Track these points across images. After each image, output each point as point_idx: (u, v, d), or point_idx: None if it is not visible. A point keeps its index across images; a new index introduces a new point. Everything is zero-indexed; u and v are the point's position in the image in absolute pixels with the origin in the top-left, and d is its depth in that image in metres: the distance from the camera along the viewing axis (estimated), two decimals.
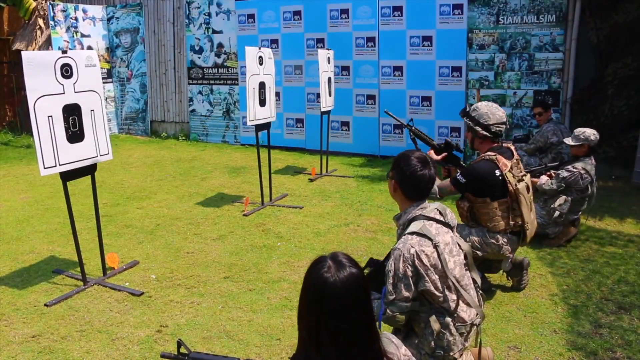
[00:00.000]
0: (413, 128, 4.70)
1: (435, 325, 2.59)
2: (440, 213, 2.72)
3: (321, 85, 7.42)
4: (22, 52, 3.81)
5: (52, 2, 10.70)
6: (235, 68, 10.38)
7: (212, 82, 10.72)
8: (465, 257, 2.78)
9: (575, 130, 5.05)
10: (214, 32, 10.50)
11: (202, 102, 10.89)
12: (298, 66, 9.69)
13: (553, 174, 5.00)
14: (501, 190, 3.71)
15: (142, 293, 4.09)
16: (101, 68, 10.86)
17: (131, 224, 5.76)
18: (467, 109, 3.92)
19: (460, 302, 2.64)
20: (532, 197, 3.88)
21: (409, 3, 8.66)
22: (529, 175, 3.92)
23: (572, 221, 5.03)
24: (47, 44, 10.89)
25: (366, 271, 2.91)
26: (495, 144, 3.85)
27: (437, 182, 3.80)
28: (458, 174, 3.82)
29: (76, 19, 11.05)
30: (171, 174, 8.09)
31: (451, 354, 2.62)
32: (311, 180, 7.55)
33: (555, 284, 4.18)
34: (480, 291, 2.86)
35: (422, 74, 8.70)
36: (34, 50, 10.74)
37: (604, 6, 7.84)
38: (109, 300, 4.01)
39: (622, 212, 5.91)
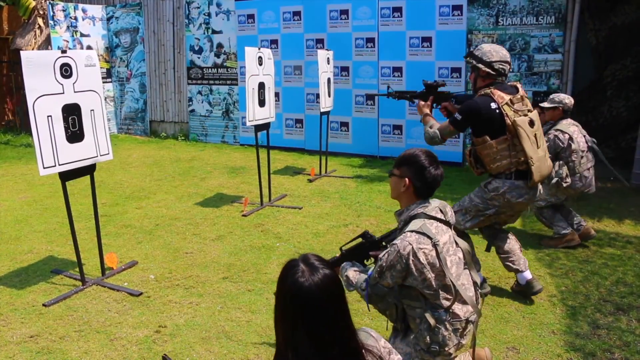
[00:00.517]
0: (394, 92, 4.81)
1: (430, 320, 2.61)
2: (441, 211, 2.74)
3: (320, 86, 7.42)
4: (22, 52, 3.81)
5: (51, 2, 10.70)
6: (235, 68, 10.38)
7: (211, 82, 10.73)
8: (464, 255, 2.78)
9: (550, 95, 5.21)
10: (214, 32, 10.50)
11: (202, 102, 10.89)
12: (297, 66, 9.69)
13: None
14: (500, 125, 3.64)
15: (141, 293, 4.09)
16: (100, 68, 10.89)
17: (130, 224, 5.76)
18: (471, 50, 3.88)
19: (456, 300, 2.65)
20: (539, 133, 3.77)
21: (408, 4, 8.66)
22: (536, 111, 3.81)
23: (580, 187, 4.98)
24: (47, 44, 10.89)
25: (358, 241, 3.03)
26: (498, 82, 3.78)
27: (437, 125, 3.85)
28: (456, 112, 3.79)
29: (76, 18, 11.05)
30: (170, 174, 8.09)
31: (446, 349, 2.63)
32: (310, 181, 7.56)
33: (554, 285, 4.19)
34: (480, 290, 2.86)
35: (421, 75, 8.64)
36: (33, 49, 10.74)
37: (602, 8, 7.86)
38: (108, 301, 4.01)
39: (621, 213, 5.92)
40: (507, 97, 3.66)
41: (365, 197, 6.68)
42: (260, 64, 6.26)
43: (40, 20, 11.04)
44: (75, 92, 4.08)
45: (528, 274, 3.95)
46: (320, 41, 9.37)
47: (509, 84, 3.82)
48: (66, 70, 4.01)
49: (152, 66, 11.49)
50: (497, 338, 3.44)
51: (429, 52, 8.62)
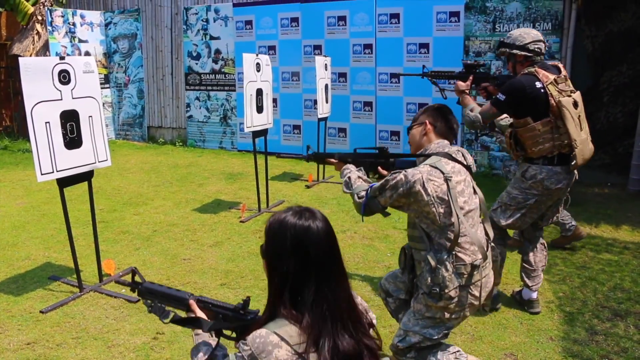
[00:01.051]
0: (430, 73, 4.69)
1: (432, 261, 2.58)
2: (463, 156, 2.74)
3: (318, 92, 7.44)
4: (20, 59, 3.81)
5: (50, 8, 10.71)
6: (233, 74, 10.40)
7: (209, 88, 10.74)
8: (481, 206, 2.75)
9: None
10: (212, 38, 10.52)
11: (200, 108, 10.90)
12: (295, 73, 9.71)
13: None
14: (544, 106, 3.50)
15: (139, 300, 4.09)
16: (98, 73, 10.89)
17: (128, 230, 5.75)
18: (502, 40, 3.76)
19: (462, 242, 2.60)
20: (583, 115, 3.61)
21: (406, 10, 8.69)
22: (579, 92, 3.62)
23: None
24: (45, 49, 10.90)
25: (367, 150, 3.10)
26: (538, 62, 3.64)
27: (477, 107, 3.69)
28: (498, 93, 3.62)
29: (74, 24, 11.06)
30: (168, 180, 8.09)
31: (446, 290, 2.57)
32: (308, 187, 7.56)
33: (551, 291, 4.19)
34: (492, 244, 2.81)
35: (419, 81, 8.66)
36: (31, 55, 10.74)
37: (599, 15, 7.89)
38: (105, 307, 4.01)
39: (618, 219, 5.93)
40: (552, 77, 3.51)
41: None
42: (258, 71, 6.28)
43: (38, 26, 11.05)
44: (73, 98, 4.08)
45: (535, 295, 3.91)
46: (318, 47, 9.39)
47: (550, 63, 3.68)
48: (64, 77, 4.02)
49: (150, 72, 11.51)
50: (495, 344, 3.45)
51: (426, 58, 8.64)
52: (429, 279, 2.60)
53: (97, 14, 11.65)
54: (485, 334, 3.56)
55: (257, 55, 6.30)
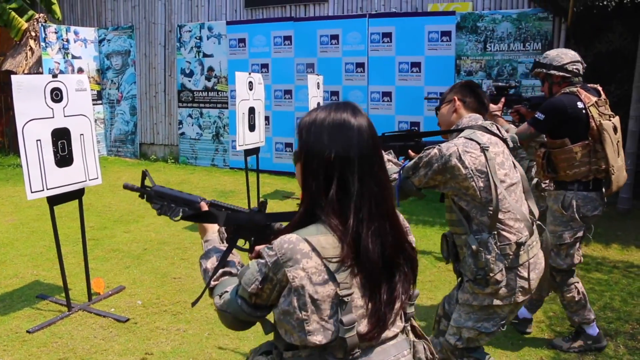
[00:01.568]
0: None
1: (473, 245, 2.45)
2: (497, 128, 2.62)
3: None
4: (12, 76, 3.82)
5: (43, 24, 10.73)
6: (225, 92, 10.43)
7: (202, 105, 10.76)
8: (522, 181, 2.63)
9: None
10: (205, 55, 10.56)
11: (192, 125, 10.91)
12: (288, 91, 9.76)
13: None
14: (584, 128, 3.37)
15: (128, 319, 4.06)
16: (91, 90, 10.89)
17: (118, 248, 5.72)
18: (537, 60, 3.63)
19: (505, 218, 2.46)
20: (620, 141, 3.48)
21: (398, 30, 8.78)
22: (617, 117, 3.49)
23: None
24: (38, 65, 10.90)
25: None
26: (576, 83, 3.51)
27: (513, 128, 3.46)
28: (536, 112, 3.47)
29: (68, 40, 11.08)
30: None
31: (492, 274, 2.43)
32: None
33: (542, 310, 4.19)
34: (539, 223, 2.67)
35: (410, 100, 8.78)
36: (24, 70, 10.74)
37: (587, 35, 7.99)
38: (94, 327, 3.97)
39: (608, 237, 5.96)
40: (593, 99, 3.40)
41: None
42: (251, 89, 6.31)
43: (31, 42, 11.06)
44: (65, 116, 4.08)
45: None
46: (310, 65, 9.45)
47: (590, 86, 3.57)
48: (57, 95, 4.02)
49: (142, 89, 11.53)
50: None
51: (418, 77, 8.72)
52: (472, 264, 2.47)
53: (91, 30, 11.68)
54: None
55: (249, 73, 6.33)
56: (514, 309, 2.58)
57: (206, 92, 10.66)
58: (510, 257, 2.45)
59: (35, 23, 11.03)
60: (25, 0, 11.49)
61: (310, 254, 1.34)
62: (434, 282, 4.81)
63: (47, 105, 3.95)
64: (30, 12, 11.24)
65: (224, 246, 1.73)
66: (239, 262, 1.70)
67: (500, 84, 3.99)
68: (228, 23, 10.25)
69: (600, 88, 3.58)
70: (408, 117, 8.84)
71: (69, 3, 12.38)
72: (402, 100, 8.84)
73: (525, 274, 2.50)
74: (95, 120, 11.54)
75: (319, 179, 1.40)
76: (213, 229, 1.82)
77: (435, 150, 2.43)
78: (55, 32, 10.83)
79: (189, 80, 10.82)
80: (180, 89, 10.97)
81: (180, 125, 11.06)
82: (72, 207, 5.69)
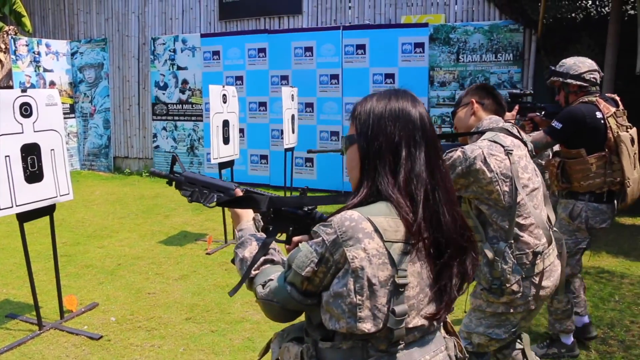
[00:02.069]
0: None
1: (489, 253, 2.38)
2: (518, 131, 2.56)
3: (284, 122, 7.47)
4: None
5: (14, 37, 10.60)
6: (200, 104, 10.38)
7: (176, 118, 10.69)
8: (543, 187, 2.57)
9: None
10: (179, 68, 10.52)
11: (166, 138, 10.83)
12: (262, 103, 9.75)
13: None
14: (602, 139, 3.32)
15: (101, 337, 3.99)
16: (63, 103, 10.77)
17: (91, 264, 5.64)
18: (553, 68, 3.58)
19: (526, 224, 2.39)
20: (637, 153, 3.41)
21: (371, 41, 8.84)
22: (635, 129, 3.44)
23: None
24: (8, 78, 10.75)
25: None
26: (593, 92, 3.47)
27: (528, 137, 3.37)
28: (553, 120, 3.40)
29: (39, 53, 10.95)
30: (134, 211, 7.98)
31: (508, 285, 2.36)
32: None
33: None
34: (555, 230, 2.61)
35: None
36: None
37: (557, 46, 8.15)
38: (66, 345, 3.90)
39: None
40: (612, 109, 3.36)
41: None
42: (225, 102, 6.29)
43: (1, 55, 10.91)
44: (35, 131, 4.03)
45: (587, 319, 3.80)
46: (285, 78, 9.46)
47: (608, 96, 3.55)
48: (26, 110, 3.96)
49: (116, 102, 11.43)
50: None
51: (392, 88, 8.76)
52: (487, 272, 2.41)
53: (63, 43, 11.56)
54: None
55: (223, 86, 6.32)
56: (526, 316, 2.51)
57: (180, 105, 10.61)
58: (527, 266, 2.39)
59: (5, 35, 10.89)
60: None
61: (372, 234, 1.26)
62: None
63: (16, 120, 3.89)
64: (0, 25, 11.10)
65: (261, 234, 1.63)
66: (279, 250, 1.59)
67: (515, 91, 3.92)
68: (202, 35, 10.23)
69: (618, 98, 3.54)
70: None
71: (40, 15, 12.25)
72: None
73: (540, 283, 2.44)
74: (68, 134, 11.40)
75: (385, 159, 1.33)
76: (248, 217, 1.69)
77: (459, 153, 2.36)
78: (26, 45, 10.69)
79: (163, 93, 10.76)
80: (154, 102, 10.89)
81: (155, 139, 10.98)
82: (44, 222, 5.58)
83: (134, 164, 11.42)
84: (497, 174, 2.33)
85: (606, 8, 8.08)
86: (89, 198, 8.90)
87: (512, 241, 2.37)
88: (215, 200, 1.76)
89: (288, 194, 7.76)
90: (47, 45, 11.19)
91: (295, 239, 1.62)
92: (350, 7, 9.36)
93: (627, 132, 3.37)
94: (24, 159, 3.95)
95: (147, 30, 10.93)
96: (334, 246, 1.27)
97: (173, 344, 3.89)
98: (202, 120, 10.38)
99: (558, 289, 2.60)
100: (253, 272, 1.52)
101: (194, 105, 10.47)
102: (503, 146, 2.37)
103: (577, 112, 3.36)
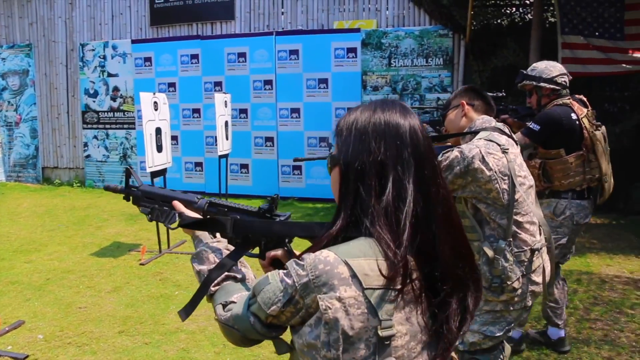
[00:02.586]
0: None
1: (488, 251, 2.37)
2: (509, 130, 2.57)
3: (218, 129, 7.42)
4: None
5: None
6: (132, 112, 10.17)
7: (108, 126, 10.43)
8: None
9: None
10: (110, 75, 10.28)
11: (98, 147, 10.55)
12: (196, 109, 9.64)
13: None
14: (579, 139, 3.46)
15: (27, 356, 3.84)
16: None
17: (17, 280, 5.43)
18: (525, 72, 3.67)
19: (524, 221, 2.40)
20: (608, 150, 3.60)
21: (304, 46, 8.90)
22: (604, 127, 3.60)
23: None
24: None
25: None
26: (564, 95, 3.60)
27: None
28: (529, 122, 3.51)
29: None
30: (64, 223, 7.73)
31: (509, 282, 2.36)
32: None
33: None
34: (543, 228, 2.59)
35: (319, 115, 8.90)
36: None
37: (485, 51, 8.43)
38: None
39: None
40: (585, 110, 3.52)
41: None
42: (156, 109, 6.19)
43: None
44: None
45: (563, 333, 3.80)
46: (218, 84, 9.40)
47: (577, 97, 3.67)
48: None
49: (44, 110, 11.04)
50: None
51: (325, 93, 8.86)
52: (487, 271, 2.39)
53: None
54: None
55: (154, 94, 6.22)
56: (522, 312, 2.52)
57: (112, 113, 10.36)
58: (525, 263, 2.40)
59: None
60: None
61: (349, 280, 1.08)
62: None
63: None
64: None
65: (218, 243, 1.47)
66: (243, 263, 1.44)
67: (492, 94, 4.04)
68: (133, 42, 10.03)
69: (585, 99, 3.68)
70: (317, 133, 8.96)
71: None
72: (311, 116, 8.95)
73: (536, 279, 2.46)
74: None
75: (368, 182, 1.14)
76: (194, 215, 1.56)
77: (456, 153, 2.35)
78: None
79: (94, 101, 10.48)
80: (84, 110, 10.59)
81: (86, 148, 10.67)
82: None
83: (64, 175, 11.06)
84: (495, 172, 2.32)
85: (529, 15, 8.42)
86: (16, 211, 8.56)
87: (511, 239, 2.38)
88: (177, 220, 1.57)
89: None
90: None
91: (270, 254, 1.48)
92: (283, 13, 9.39)
93: (599, 130, 3.54)
94: None
95: (75, 35, 10.62)
96: (304, 290, 1.10)
97: (105, 359, 3.79)
98: (134, 128, 10.17)
99: (549, 283, 2.64)
100: (213, 289, 1.36)
101: (125, 113, 10.25)
102: (499, 145, 2.38)
103: (554, 115, 3.48)
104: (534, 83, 3.60)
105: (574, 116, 3.50)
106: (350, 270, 1.08)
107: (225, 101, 7.72)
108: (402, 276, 1.09)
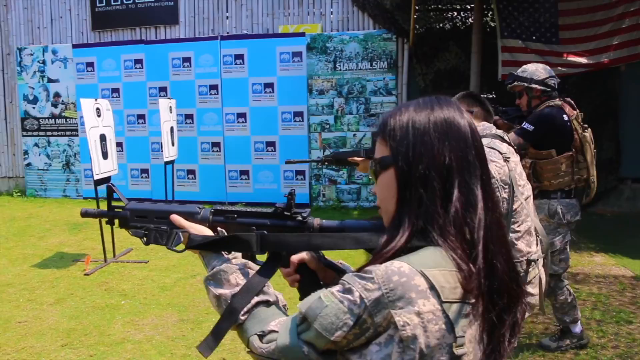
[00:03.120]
0: None
1: None
2: (507, 137, 2.54)
3: (163, 135, 7.33)
4: None
5: None
6: (75, 118, 9.93)
7: (49, 133, 10.15)
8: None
9: None
10: (50, 80, 10.00)
11: (39, 155, 10.24)
12: (141, 115, 9.50)
13: None
14: (569, 140, 3.52)
15: None
16: None
17: None
18: (514, 73, 3.74)
19: (522, 230, 2.37)
20: (595, 151, 3.69)
21: (250, 51, 8.89)
22: (590, 129, 3.68)
23: None
24: None
25: None
26: (554, 97, 3.68)
27: None
28: (524, 123, 3.54)
29: None
30: (3, 235, 7.48)
31: None
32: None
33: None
34: (540, 238, 2.60)
35: (265, 120, 8.91)
36: None
37: (427, 54, 8.62)
38: None
39: None
40: (575, 112, 3.58)
41: None
42: (99, 115, 6.08)
43: None
44: None
45: (580, 326, 3.84)
46: (163, 89, 9.28)
47: (567, 99, 3.74)
48: None
49: None
50: None
51: (271, 97, 8.87)
52: None
53: None
54: None
55: (95, 100, 6.11)
56: None
57: (53, 120, 10.08)
58: (521, 274, 2.36)
59: None
60: None
61: (427, 293, 0.97)
62: None
63: None
64: None
65: (235, 258, 1.27)
66: (268, 285, 1.23)
67: (482, 95, 4.08)
68: (74, 46, 9.81)
69: (573, 102, 3.76)
70: (264, 137, 8.97)
71: None
72: (257, 121, 8.95)
73: (532, 291, 2.43)
74: None
75: (433, 188, 1.04)
76: (202, 229, 1.32)
77: None
78: None
79: (33, 107, 10.17)
80: (23, 117, 10.27)
81: (26, 156, 10.34)
82: None
83: (3, 184, 10.70)
84: (497, 180, 2.30)
85: (470, 19, 8.64)
86: None
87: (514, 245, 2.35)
88: (181, 241, 1.31)
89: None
90: None
91: (294, 258, 1.31)
92: (227, 17, 9.36)
93: (586, 132, 3.63)
94: None
95: (11, 39, 10.29)
96: (376, 306, 0.97)
97: None
98: (77, 135, 9.93)
99: (545, 294, 2.65)
100: (242, 317, 1.16)
101: (68, 120, 10.00)
102: (501, 152, 2.37)
103: (548, 115, 3.56)
104: (525, 84, 3.69)
105: (565, 117, 3.58)
106: (428, 281, 0.98)
107: (170, 107, 7.64)
108: (477, 289, 1.01)
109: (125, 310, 4.76)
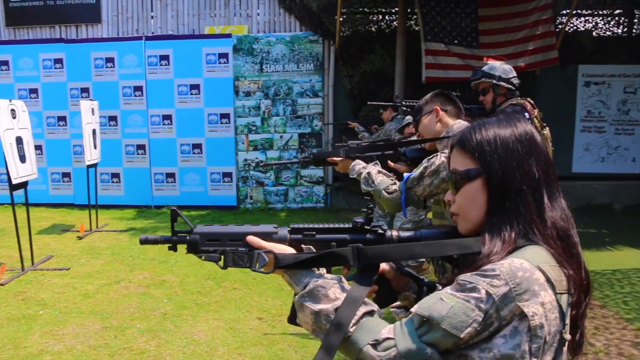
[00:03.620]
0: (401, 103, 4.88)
1: None
2: None
3: (85, 138, 7.12)
4: None
5: None
6: None
7: None
8: None
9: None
10: None
11: None
12: (62, 117, 9.16)
13: None
14: None
15: None
16: None
17: None
18: (482, 70, 3.80)
19: None
20: (553, 150, 3.77)
21: (175, 52, 8.76)
22: (548, 128, 3.76)
23: None
24: None
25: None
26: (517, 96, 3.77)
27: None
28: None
29: None
30: None
31: None
32: (80, 238, 7.13)
33: None
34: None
35: (191, 122, 8.81)
36: None
37: (353, 57, 8.76)
38: None
39: None
40: (535, 110, 3.67)
41: (138, 250, 6.49)
42: (14, 117, 5.84)
43: None
44: None
45: None
46: (85, 90, 9.00)
47: (528, 99, 3.83)
48: None
49: None
50: None
51: (197, 99, 8.78)
52: None
53: None
54: None
55: (10, 101, 5.85)
56: None
57: None
58: None
59: None
60: None
61: (545, 285, 1.08)
62: None
63: None
64: None
65: (325, 273, 1.28)
66: (376, 311, 1.23)
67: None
68: None
69: (532, 101, 3.85)
70: (190, 140, 8.86)
71: None
72: (183, 123, 8.83)
73: None
74: None
75: (526, 198, 1.17)
76: (284, 248, 1.32)
77: (443, 158, 2.33)
78: None
79: None
80: None
81: None
82: None
83: None
84: None
85: (395, 23, 8.84)
86: None
87: None
88: (266, 261, 1.26)
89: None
90: None
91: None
92: (152, 17, 9.19)
93: (545, 130, 3.72)
94: None
95: None
96: (503, 301, 1.06)
97: None
98: None
99: None
100: (350, 330, 1.16)
101: None
102: None
103: (509, 113, 3.62)
104: (493, 81, 3.78)
105: (527, 115, 3.67)
106: (545, 275, 1.09)
107: (93, 108, 7.43)
108: (580, 282, 1.16)
109: (43, 320, 4.59)
